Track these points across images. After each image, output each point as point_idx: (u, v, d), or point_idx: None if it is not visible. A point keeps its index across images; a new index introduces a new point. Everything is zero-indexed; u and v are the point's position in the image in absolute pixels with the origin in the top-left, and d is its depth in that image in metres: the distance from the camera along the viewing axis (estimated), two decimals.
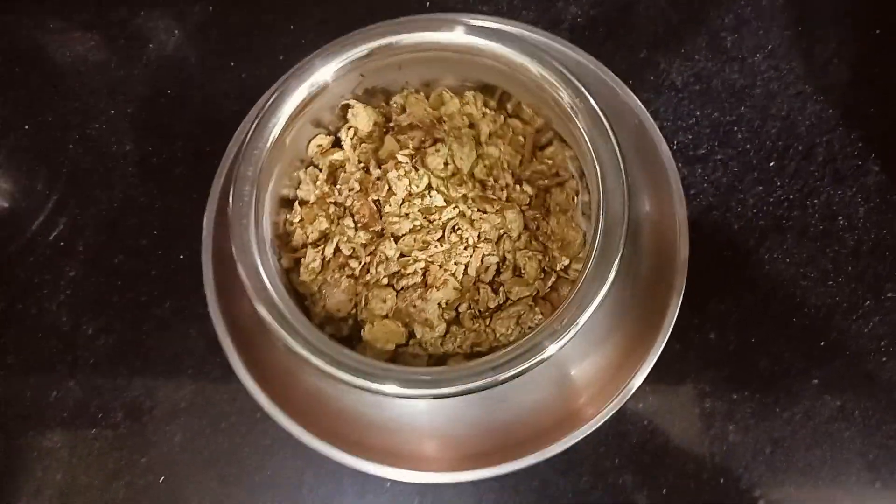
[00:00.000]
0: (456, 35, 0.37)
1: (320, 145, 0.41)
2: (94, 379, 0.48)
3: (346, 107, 0.41)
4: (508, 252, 0.40)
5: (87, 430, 0.47)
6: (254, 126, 0.36)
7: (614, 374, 0.39)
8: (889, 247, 0.47)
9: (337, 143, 0.42)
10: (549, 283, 0.39)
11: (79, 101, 0.54)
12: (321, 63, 0.37)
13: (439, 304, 0.39)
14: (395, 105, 0.42)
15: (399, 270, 0.39)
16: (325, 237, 0.40)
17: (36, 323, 0.49)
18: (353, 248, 0.39)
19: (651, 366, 0.39)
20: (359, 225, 0.40)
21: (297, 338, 0.33)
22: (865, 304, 0.47)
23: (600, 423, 0.38)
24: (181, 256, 0.50)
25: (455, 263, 0.39)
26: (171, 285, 0.49)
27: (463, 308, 0.39)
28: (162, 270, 0.50)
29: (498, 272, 0.40)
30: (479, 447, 0.39)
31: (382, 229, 0.40)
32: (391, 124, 0.42)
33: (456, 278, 0.39)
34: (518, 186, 0.40)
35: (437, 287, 0.39)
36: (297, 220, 0.40)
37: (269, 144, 0.36)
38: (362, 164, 0.41)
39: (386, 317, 0.39)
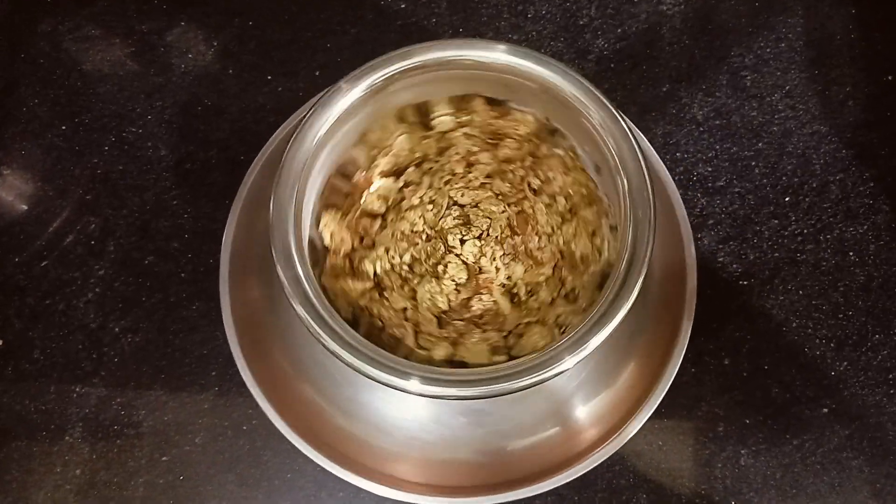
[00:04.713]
0: (497, 55, 0.39)
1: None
2: (118, 377, 0.49)
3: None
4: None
5: (108, 427, 0.48)
6: (304, 123, 0.37)
7: (621, 409, 0.41)
8: None
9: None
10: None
11: (116, 105, 0.55)
12: (374, 70, 0.38)
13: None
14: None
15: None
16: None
17: (63, 320, 0.50)
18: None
19: (655, 406, 0.40)
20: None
21: (326, 330, 0.34)
22: (874, 337, 0.48)
23: (602, 460, 0.39)
24: (211, 260, 0.51)
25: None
26: (199, 288, 0.50)
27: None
28: (191, 273, 0.51)
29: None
30: (490, 474, 0.40)
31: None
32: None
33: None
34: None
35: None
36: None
37: (324, 129, 0.37)
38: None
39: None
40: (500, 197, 0.41)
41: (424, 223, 0.41)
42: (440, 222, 0.41)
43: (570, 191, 0.40)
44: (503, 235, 0.41)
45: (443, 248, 0.41)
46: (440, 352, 0.37)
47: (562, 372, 0.33)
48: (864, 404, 0.47)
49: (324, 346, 0.34)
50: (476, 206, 0.41)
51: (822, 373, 0.48)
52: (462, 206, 0.41)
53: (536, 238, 0.41)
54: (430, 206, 0.41)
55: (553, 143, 0.40)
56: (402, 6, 0.57)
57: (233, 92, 0.55)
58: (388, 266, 0.40)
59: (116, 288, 0.51)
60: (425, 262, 0.40)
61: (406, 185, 0.41)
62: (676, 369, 0.40)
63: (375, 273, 0.39)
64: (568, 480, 0.39)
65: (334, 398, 0.41)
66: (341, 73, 0.54)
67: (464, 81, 0.40)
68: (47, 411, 0.48)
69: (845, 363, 0.48)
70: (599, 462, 0.39)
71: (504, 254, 0.41)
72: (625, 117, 0.45)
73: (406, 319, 0.39)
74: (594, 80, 0.53)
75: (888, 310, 0.49)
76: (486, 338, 0.38)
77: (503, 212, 0.41)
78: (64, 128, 0.55)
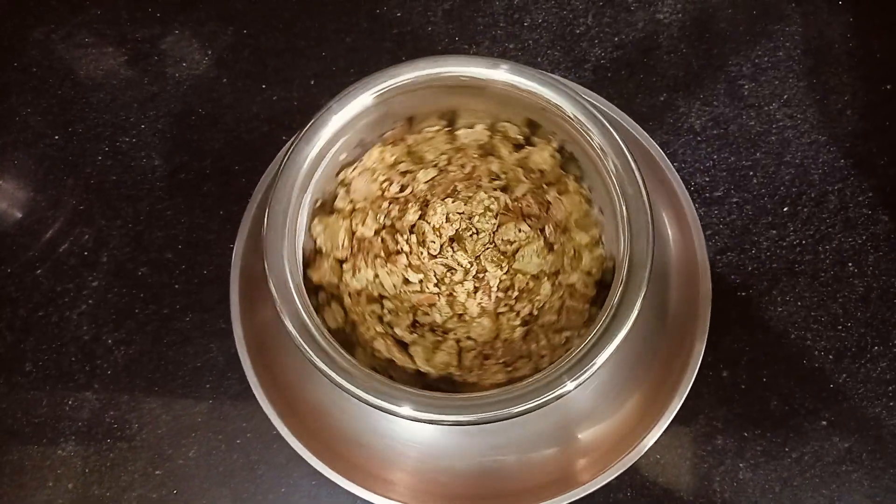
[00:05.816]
0: (499, 73, 0.38)
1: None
2: (111, 390, 0.48)
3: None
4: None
5: (101, 440, 0.47)
6: (298, 139, 0.37)
7: (624, 433, 0.40)
8: None
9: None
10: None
11: (109, 114, 0.54)
12: (365, 87, 0.38)
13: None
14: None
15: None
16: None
17: (56, 331, 0.49)
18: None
19: (658, 435, 0.40)
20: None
21: (319, 354, 0.33)
22: (874, 349, 0.48)
23: (605, 482, 0.39)
24: (205, 272, 0.50)
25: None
26: (193, 300, 0.50)
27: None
28: (185, 285, 0.50)
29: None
30: (490, 488, 0.40)
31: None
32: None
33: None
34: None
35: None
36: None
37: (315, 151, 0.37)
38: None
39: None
40: (426, 209, 0.42)
41: (472, 270, 0.41)
42: (467, 254, 0.42)
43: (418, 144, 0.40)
44: (486, 205, 0.42)
45: (498, 258, 0.42)
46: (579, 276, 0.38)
47: (562, 395, 0.33)
48: (864, 417, 0.47)
49: (319, 370, 0.33)
50: (442, 237, 0.42)
51: (821, 385, 0.47)
52: (449, 241, 0.42)
53: (479, 183, 0.42)
54: (450, 269, 0.41)
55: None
56: (398, 14, 0.56)
57: (227, 101, 0.54)
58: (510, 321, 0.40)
59: (110, 299, 0.50)
60: (509, 283, 0.41)
61: (417, 316, 0.41)
62: (685, 395, 0.40)
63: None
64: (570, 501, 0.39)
65: (339, 406, 0.40)
66: (336, 81, 0.54)
67: (457, 96, 0.40)
68: (39, 424, 0.48)
69: (844, 375, 0.47)
70: (596, 488, 0.39)
71: (500, 207, 0.42)
72: (625, 123, 0.45)
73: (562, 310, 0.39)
74: (591, 90, 0.53)
75: (887, 321, 0.48)
76: (579, 242, 0.39)
77: (452, 204, 0.42)
78: (57, 137, 0.54)
